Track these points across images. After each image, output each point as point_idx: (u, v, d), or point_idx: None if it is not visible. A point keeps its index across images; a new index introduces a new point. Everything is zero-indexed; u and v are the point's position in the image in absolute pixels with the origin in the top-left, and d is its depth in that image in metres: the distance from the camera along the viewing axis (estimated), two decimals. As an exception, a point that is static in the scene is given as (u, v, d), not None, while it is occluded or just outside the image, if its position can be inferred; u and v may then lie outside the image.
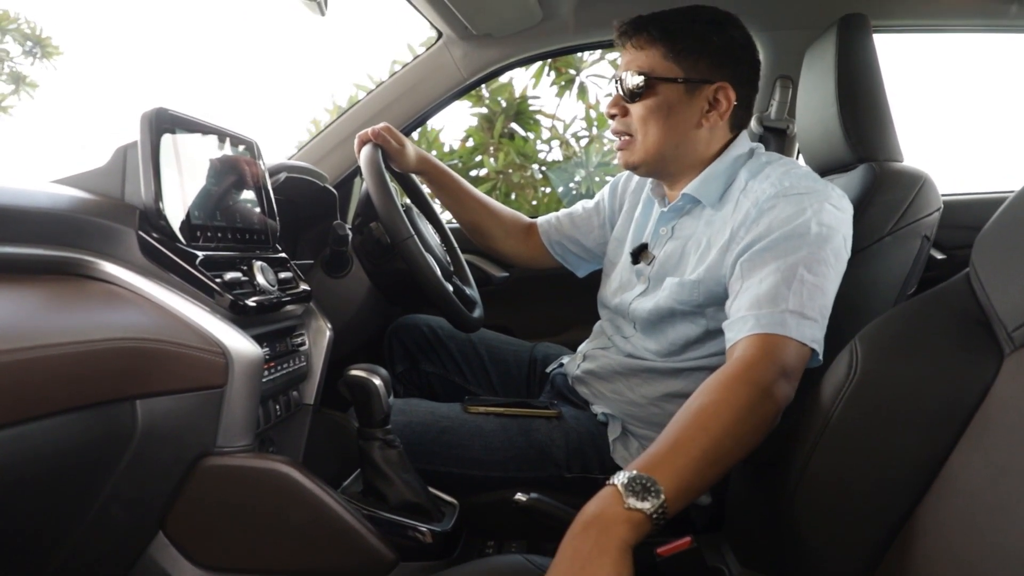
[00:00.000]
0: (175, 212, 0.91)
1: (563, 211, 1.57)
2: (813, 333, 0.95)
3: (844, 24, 1.23)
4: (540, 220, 1.57)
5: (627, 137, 1.21)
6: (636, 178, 1.44)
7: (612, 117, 1.21)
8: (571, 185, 4.33)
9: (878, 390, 0.79)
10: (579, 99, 4.15)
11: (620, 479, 0.79)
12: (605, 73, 4.01)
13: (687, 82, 1.15)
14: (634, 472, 0.79)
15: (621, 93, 1.19)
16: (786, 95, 1.73)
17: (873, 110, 1.22)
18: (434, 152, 4.09)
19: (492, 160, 4.01)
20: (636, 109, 1.18)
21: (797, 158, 1.78)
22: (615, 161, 4.34)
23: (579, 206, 1.55)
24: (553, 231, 1.54)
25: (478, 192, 1.57)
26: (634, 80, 1.16)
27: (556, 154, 4.37)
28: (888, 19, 1.69)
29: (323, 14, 1.16)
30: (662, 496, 0.77)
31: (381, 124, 1.38)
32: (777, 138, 1.77)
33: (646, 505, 0.76)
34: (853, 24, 1.23)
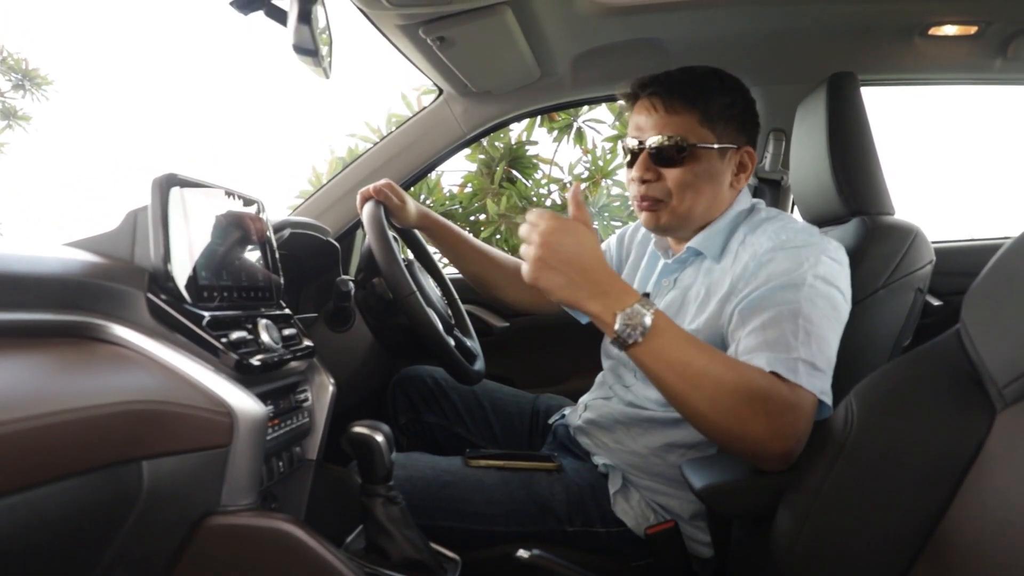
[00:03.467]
0: (183, 273, 0.93)
1: None
2: (823, 385, 0.96)
3: (834, 82, 1.27)
4: None
5: (655, 199, 1.19)
6: (643, 230, 1.46)
7: (644, 182, 1.19)
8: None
9: (874, 447, 0.80)
10: (576, 144, 4.22)
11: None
12: (603, 118, 4.09)
13: (721, 148, 1.17)
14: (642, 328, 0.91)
15: (654, 157, 1.17)
16: (779, 147, 1.77)
17: (864, 165, 1.25)
18: (433, 200, 4.13)
19: (495, 205, 4.05)
20: (673, 174, 1.17)
21: (792, 209, 1.81)
22: (615, 204, 4.39)
23: None
24: None
25: (480, 243, 1.59)
26: (671, 146, 1.15)
27: (557, 197, 4.42)
28: (877, 73, 1.74)
29: (327, 77, 1.20)
30: (631, 346, 0.92)
31: (383, 181, 1.41)
32: (772, 189, 1.81)
33: (628, 326, 0.91)
34: (842, 82, 1.27)
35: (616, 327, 0.91)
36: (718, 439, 0.95)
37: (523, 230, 0.96)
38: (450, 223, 1.56)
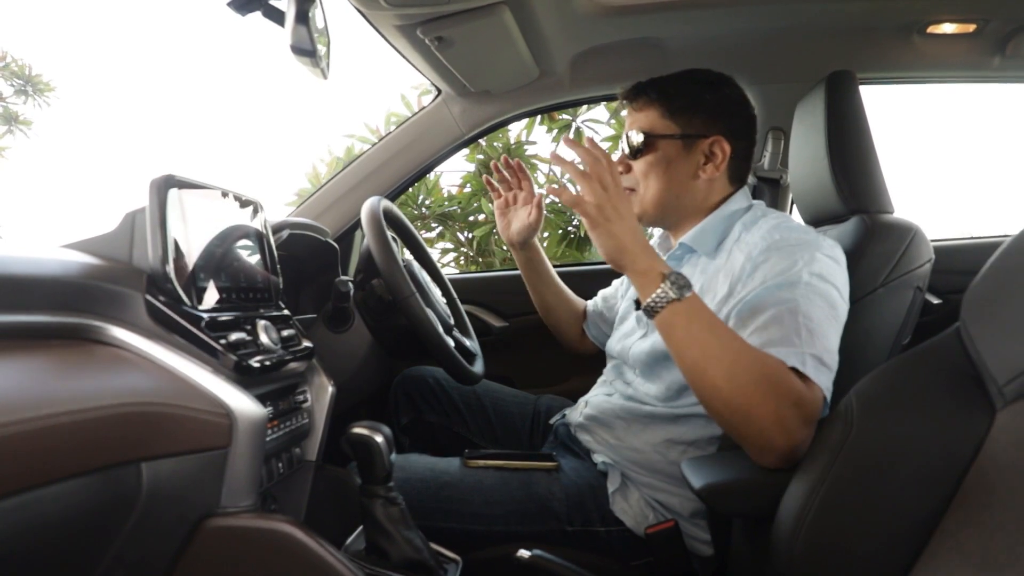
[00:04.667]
0: (181, 275, 0.93)
1: (601, 290, 1.67)
2: (827, 381, 0.97)
3: (832, 80, 1.27)
4: (587, 305, 1.68)
5: (630, 191, 1.26)
6: (651, 238, 1.48)
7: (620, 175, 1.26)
8: (570, 229, 4.36)
9: (874, 447, 0.80)
10: (576, 144, 4.22)
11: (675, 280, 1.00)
12: (600, 118, 4.09)
13: (684, 137, 1.22)
14: (683, 285, 0.99)
15: (626, 152, 1.26)
16: (778, 146, 1.77)
17: (863, 163, 1.25)
18: (432, 200, 4.13)
19: (491, 204, 4.05)
20: (638, 165, 1.25)
21: (791, 208, 1.81)
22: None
23: (615, 281, 1.64)
24: (590, 317, 1.65)
25: (559, 280, 1.66)
26: (635, 139, 1.24)
27: (556, 198, 4.41)
28: (875, 71, 1.74)
29: (325, 78, 1.20)
30: (667, 304, 0.98)
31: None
32: (771, 188, 1.81)
33: (664, 289, 0.99)
34: (841, 80, 1.27)
35: (666, 282, 0.98)
36: (725, 417, 0.96)
37: (588, 163, 1.03)
38: (544, 254, 1.63)
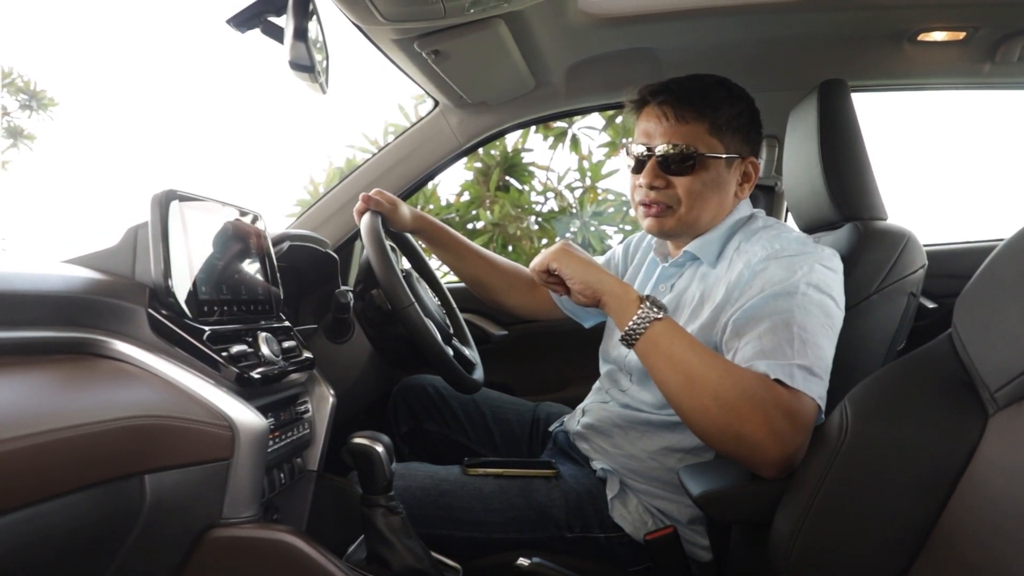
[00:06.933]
0: (183, 288, 0.94)
1: None
2: (820, 390, 0.97)
3: (824, 89, 1.28)
4: None
5: (664, 206, 1.20)
6: (647, 238, 1.46)
7: (653, 188, 1.19)
8: (567, 235, 4.37)
9: (869, 453, 0.81)
10: (572, 151, 4.25)
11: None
12: (595, 124, 4.12)
13: (728, 158, 1.18)
14: (660, 306, 1.03)
15: (663, 165, 1.18)
16: (772, 154, 1.79)
17: (856, 170, 1.26)
18: (431, 207, 4.14)
19: (488, 213, 4.07)
20: (683, 183, 1.17)
21: (785, 216, 1.82)
22: (610, 210, 4.40)
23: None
24: None
25: (477, 246, 1.59)
26: (682, 155, 1.16)
27: (552, 204, 4.44)
28: (867, 79, 1.75)
29: (324, 92, 1.21)
30: (650, 324, 1.01)
31: (373, 190, 1.41)
32: (766, 195, 1.82)
33: (645, 309, 1.02)
34: (833, 89, 1.28)
35: (645, 303, 1.01)
36: (716, 437, 0.96)
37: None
38: (446, 226, 1.56)
